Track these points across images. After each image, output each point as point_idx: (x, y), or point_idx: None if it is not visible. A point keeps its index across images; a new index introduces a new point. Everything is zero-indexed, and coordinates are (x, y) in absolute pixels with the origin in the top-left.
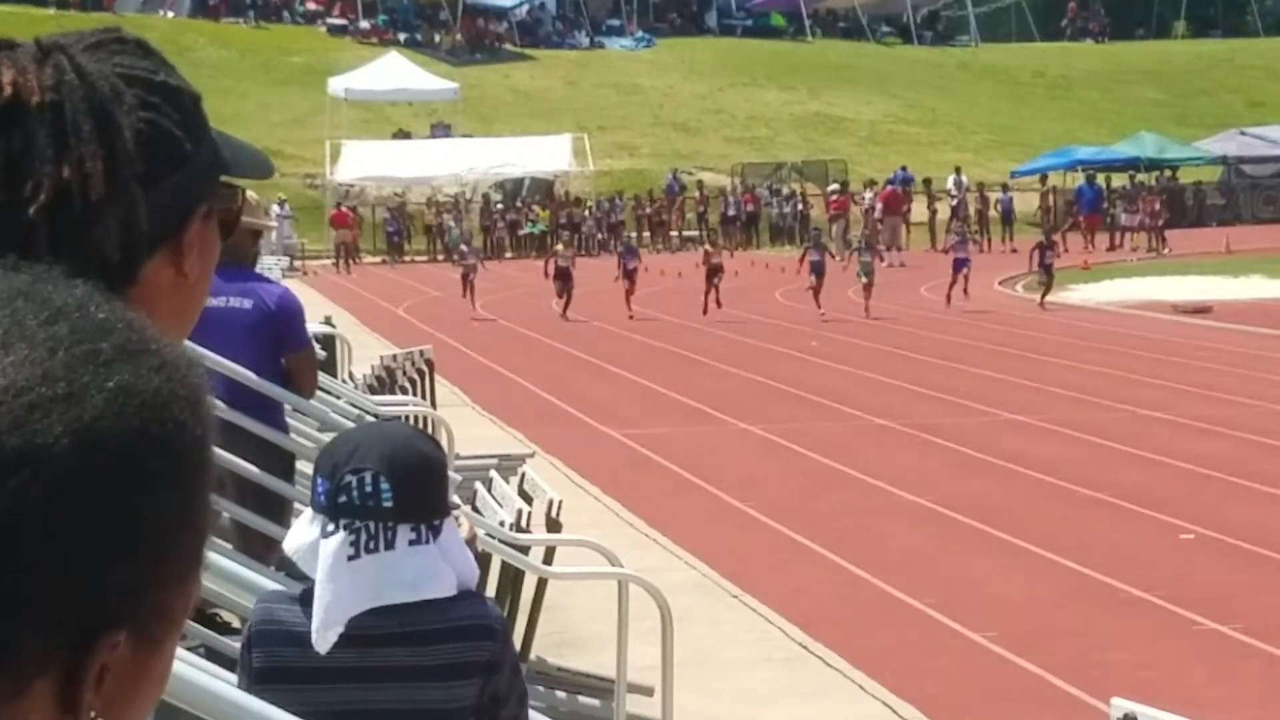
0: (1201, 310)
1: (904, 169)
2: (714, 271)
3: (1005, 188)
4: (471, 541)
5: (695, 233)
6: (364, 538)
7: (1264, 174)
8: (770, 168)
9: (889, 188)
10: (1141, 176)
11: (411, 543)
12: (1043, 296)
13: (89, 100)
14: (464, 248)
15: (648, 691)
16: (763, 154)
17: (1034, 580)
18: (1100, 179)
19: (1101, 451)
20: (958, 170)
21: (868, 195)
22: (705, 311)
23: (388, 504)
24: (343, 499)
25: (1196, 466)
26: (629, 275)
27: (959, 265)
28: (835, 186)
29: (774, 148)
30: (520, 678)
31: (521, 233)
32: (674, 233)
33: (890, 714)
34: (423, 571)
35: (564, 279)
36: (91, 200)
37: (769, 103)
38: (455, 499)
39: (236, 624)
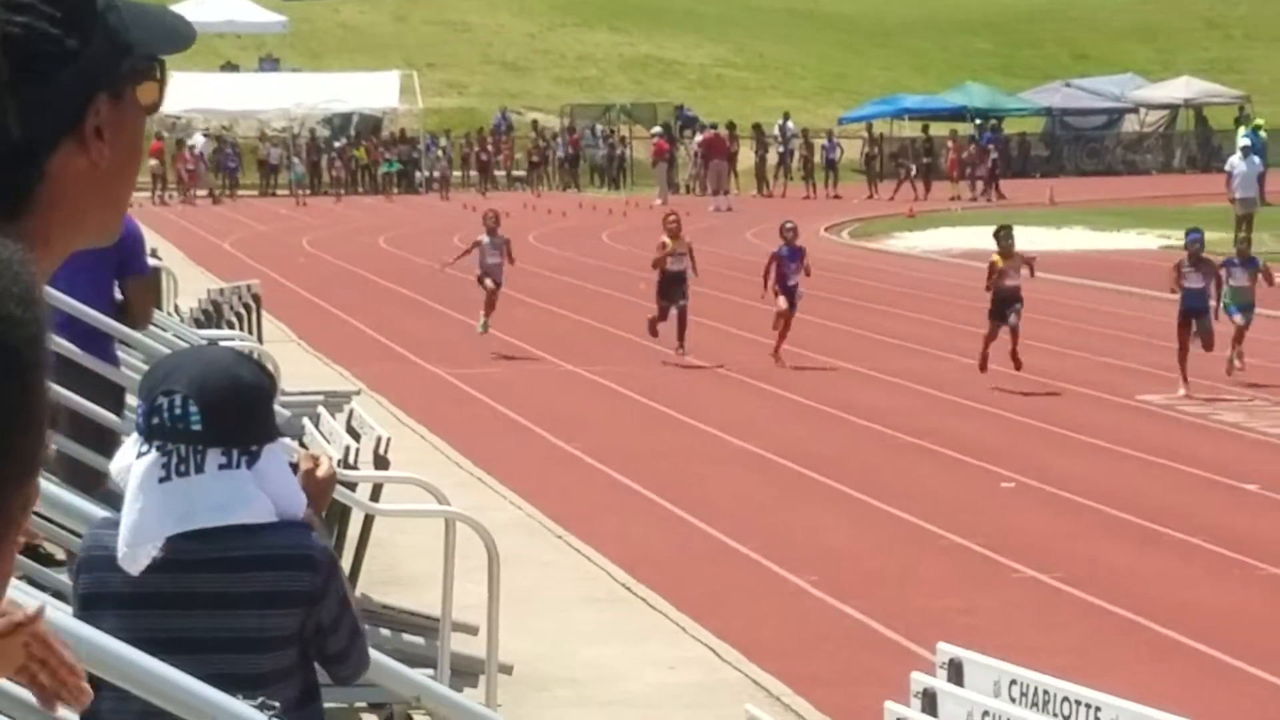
0: (1025, 261)
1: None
2: None
3: (830, 135)
4: (331, 479)
5: (524, 173)
6: (174, 460)
7: (1088, 126)
8: (599, 109)
9: (711, 132)
10: (965, 127)
11: (221, 467)
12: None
13: None
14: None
15: (472, 630)
16: (592, 95)
17: (858, 527)
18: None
19: (927, 400)
20: (785, 116)
21: (698, 139)
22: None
23: (196, 427)
24: (155, 420)
25: (1019, 416)
26: None
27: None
28: (658, 129)
29: (603, 89)
30: (350, 611)
31: (382, 172)
32: (502, 173)
33: (712, 656)
34: (232, 496)
35: None
36: None
37: (599, 44)
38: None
39: (61, 556)
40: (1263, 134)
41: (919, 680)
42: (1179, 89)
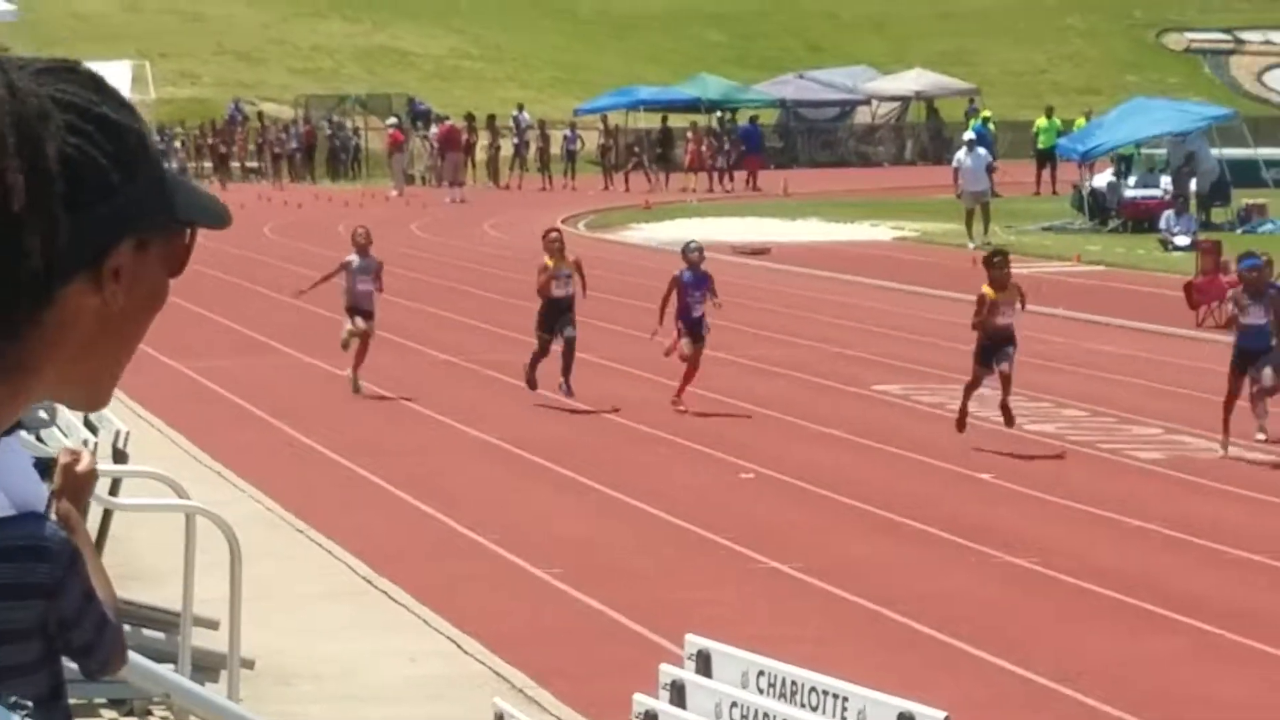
0: (759, 252)
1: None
2: None
3: (572, 127)
4: (91, 474)
5: (257, 164)
6: None
7: (821, 118)
8: (334, 100)
9: (447, 124)
10: (700, 118)
11: None
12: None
13: (15, 115)
14: None
15: (213, 625)
16: (327, 86)
17: (600, 518)
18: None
19: (667, 391)
20: (520, 107)
21: (433, 130)
22: None
23: None
24: None
25: (757, 406)
26: None
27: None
28: (394, 120)
29: (338, 80)
30: (96, 603)
31: None
32: (236, 164)
33: (454, 649)
34: None
35: None
36: (13, 211)
37: (333, 34)
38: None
39: None
40: (991, 126)
41: (667, 672)
42: (910, 81)
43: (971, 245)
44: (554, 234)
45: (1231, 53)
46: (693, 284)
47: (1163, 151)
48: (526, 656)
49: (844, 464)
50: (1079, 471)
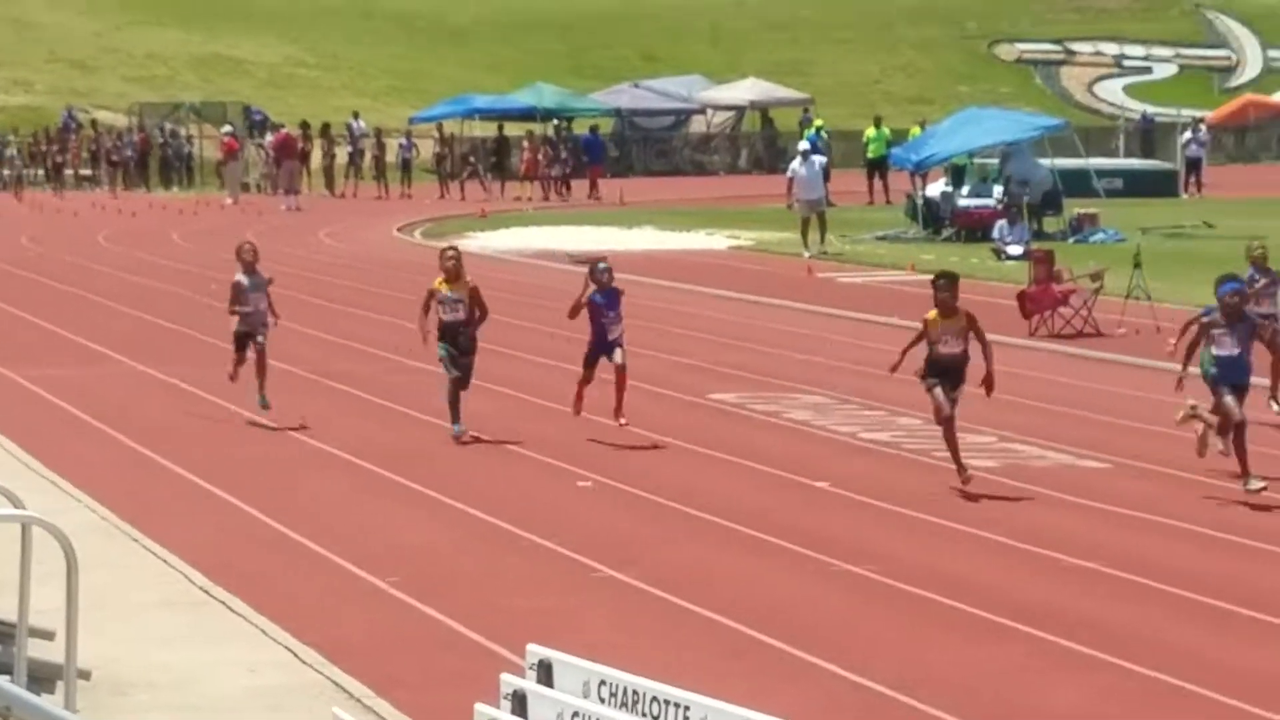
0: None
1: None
2: None
3: (408, 135)
4: None
5: (91, 172)
6: None
7: (656, 126)
8: (168, 108)
9: (283, 132)
10: (536, 127)
11: None
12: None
13: None
14: None
15: (49, 635)
16: (161, 94)
17: (437, 526)
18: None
19: (504, 400)
20: (355, 115)
21: (268, 138)
22: None
23: None
24: None
25: (594, 415)
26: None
27: None
28: (228, 128)
29: (173, 88)
30: None
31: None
32: (70, 172)
33: (293, 659)
34: None
35: None
36: None
37: (168, 42)
38: None
39: None
40: (824, 135)
41: (509, 682)
42: (745, 90)
43: (807, 254)
44: (451, 253)
45: (1062, 63)
46: (606, 304)
47: (995, 161)
48: (366, 666)
49: (682, 473)
50: (915, 480)
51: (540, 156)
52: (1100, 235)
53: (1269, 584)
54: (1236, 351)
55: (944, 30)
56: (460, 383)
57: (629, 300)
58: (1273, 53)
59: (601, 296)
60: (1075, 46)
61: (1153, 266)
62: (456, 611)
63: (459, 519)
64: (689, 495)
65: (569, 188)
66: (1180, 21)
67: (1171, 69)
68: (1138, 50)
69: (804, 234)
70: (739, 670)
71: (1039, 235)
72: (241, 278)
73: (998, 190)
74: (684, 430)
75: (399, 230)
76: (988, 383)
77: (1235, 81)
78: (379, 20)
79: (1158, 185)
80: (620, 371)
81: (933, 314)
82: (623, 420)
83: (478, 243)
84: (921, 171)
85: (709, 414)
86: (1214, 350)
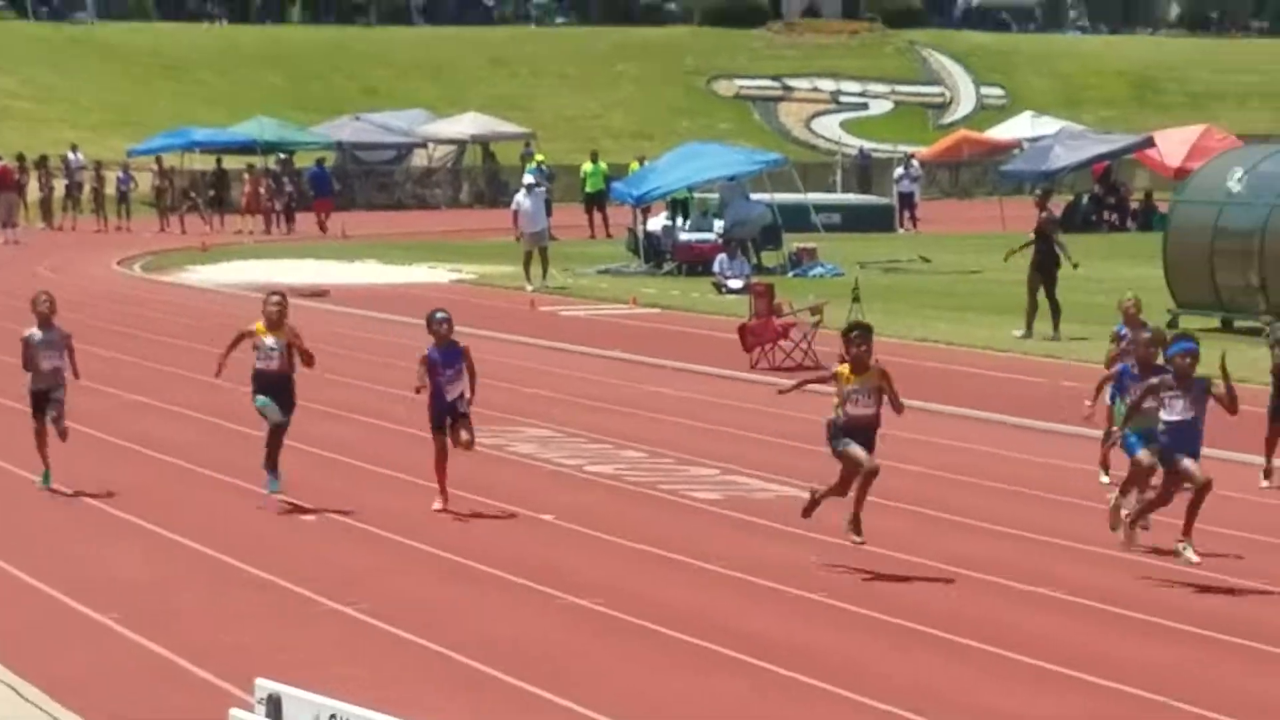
0: (319, 294)
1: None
2: None
3: (126, 168)
4: None
5: None
6: None
7: (378, 160)
8: None
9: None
10: (257, 159)
11: None
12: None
13: None
14: None
15: None
16: None
17: (158, 561)
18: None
19: (222, 433)
20: (74, 148)
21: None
22: None
23: None
24: None
25: (317, 449)
26: None
27: None
28: None
29: None
30: None
31: None
32: None
33: (15, 696)
34: None
35: None
36: None
37: None
38: None
39: None
40: (545, 169)
41: (238, 717)
42: (466, 125)
43: (530, 288)
44: (276, 299)
45: (780, 99)
46: (444, 361)
47: (715, 196)
48: (88, 703)
49: (407, 506)
50: (640, 512)
51: (262, 189)
52: (819, 269)
53: (974, 611)
54: (1190, 415)
55: (663, 66)
56: (279, 432)
57: (356, 333)
58: (985, 89)
59: (439, 352)
60: (793, 83)
61: (871, 300)
62: (182, 647)
63: (178, 552)
64: (413, 529)
65: (292, 220)
66: (895, 59)
67: (887, 105)
68: (854, 87)
69: (526, 268)
70: (469, 704)
71: (759, 269)
72: (33, 332)
73: (718, 225)
74: (409, 464)
75: (119, 264)
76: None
77: (949, 118)
78: (93, 53)
79: (875, 220)
80: (466, 447)
81: (844, 368)
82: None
83: (198, 276)
84: (643, 206)
85: (430, 448)
86: (1164, 415)
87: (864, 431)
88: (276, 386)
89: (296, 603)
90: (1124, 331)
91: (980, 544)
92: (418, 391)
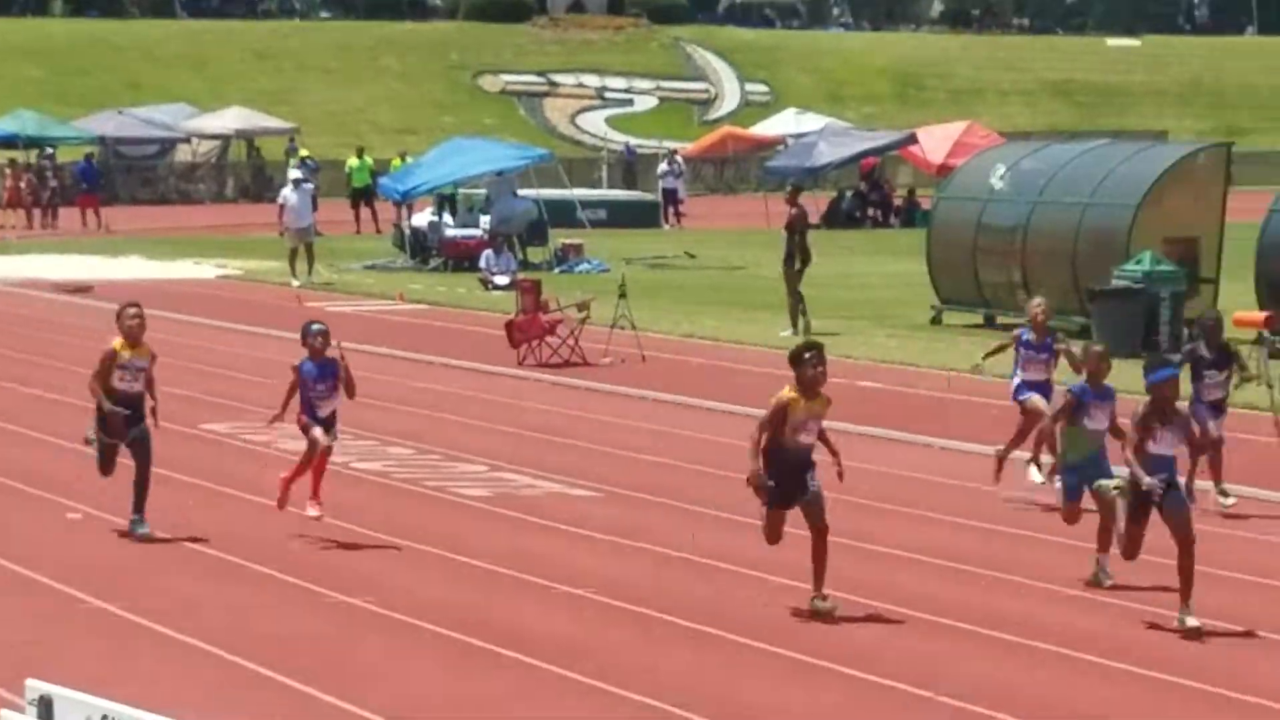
0: (83, 289)
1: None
2: None
3: None
4: None
5: None
6: None
7: (141, 155)
8: None
9: None
10: (19, 154)
11: None
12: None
13: None
14: None
15: None
16: None
17: None
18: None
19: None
20: None
21: None
22: None
23: None
24: None
25: (64, 440)
26: None
27: None
28: None
29: None
30: None
31: None
32: None
33: None
34: None
35: None
36: None
37: None
38: None
39: None
40: (311, 163)
41: (8, 719)
42: (230, 119)
43: (295, 283)
44: (133, 311)
45: (546, 95)
46: (317, 376)
47: (482, 192)
48: None
49: (171, 503)
50: (407, 509)
51: (24, 185)
52: (585, 265)
53: (733, 608)
54: (1177, 449)
55: (428, 61)
56: (108, 464)
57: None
58: (750, 86)
59: (313, 366)
60: (558, 78)
61: (637, 296)
62: None
63: None
64: (177, 527)
65: (56, 215)
66: (660, 55)
67: (652, 101)
68: (619, 83)
69: (292, 263)
70: (244, 701)
71: (525, 265)
72: None
73: (485, 220)
74: (176, 461)
75: None
76: (840, 474)
77: (714, 114)
78: None
79: (641, 216)
80: (323, 453)
81: (792, 394)
82: (316, 512)
83: None
84: (408, 201)
85: (201, 444)
86: (1151, 449)
87: (799, 470)
88: (135, 409)
89: (60, 601)
90: (1026, 335)
91: (721, 532)
92: (270, 424)
